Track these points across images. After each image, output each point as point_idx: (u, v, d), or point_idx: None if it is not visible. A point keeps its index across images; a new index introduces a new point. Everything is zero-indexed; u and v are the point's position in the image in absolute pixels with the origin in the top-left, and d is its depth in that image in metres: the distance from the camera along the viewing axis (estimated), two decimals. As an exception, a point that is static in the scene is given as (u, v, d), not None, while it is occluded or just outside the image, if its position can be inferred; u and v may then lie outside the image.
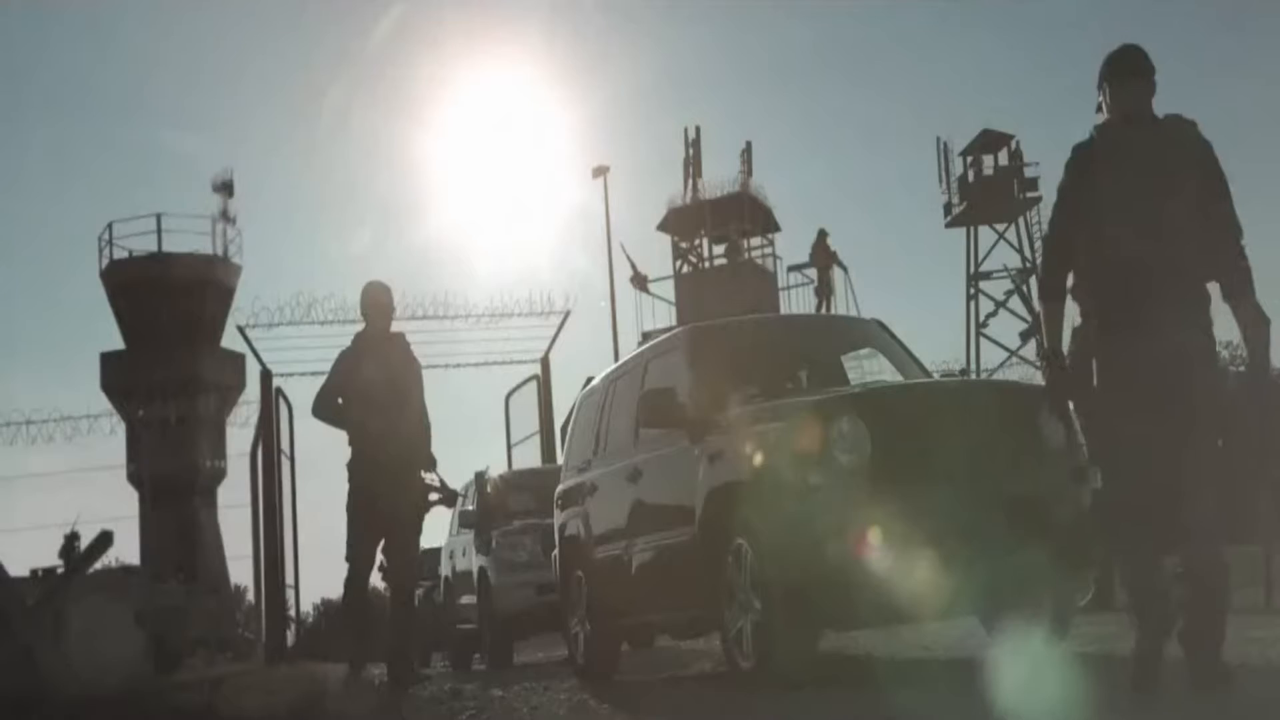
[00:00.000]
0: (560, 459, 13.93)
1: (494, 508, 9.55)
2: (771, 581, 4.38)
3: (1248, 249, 3.48)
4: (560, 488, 6.82)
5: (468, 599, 9.80)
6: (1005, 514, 4.32)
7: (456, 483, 10.90)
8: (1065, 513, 4.48)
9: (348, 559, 6.10)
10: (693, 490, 4.93)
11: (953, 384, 6.10)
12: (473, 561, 9.53)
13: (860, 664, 5.87)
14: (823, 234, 20.04)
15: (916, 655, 5.90)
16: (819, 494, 4.25)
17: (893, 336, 6.00)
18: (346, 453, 6.19)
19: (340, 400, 6.20)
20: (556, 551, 6.78)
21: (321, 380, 6.47)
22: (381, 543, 6.11)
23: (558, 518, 6.77)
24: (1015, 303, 26.63)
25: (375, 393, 6.05)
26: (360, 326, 6.51)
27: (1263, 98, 51.06)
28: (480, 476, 9.81)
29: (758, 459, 4.51)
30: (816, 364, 5.93)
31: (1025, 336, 25.28)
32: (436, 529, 12.07)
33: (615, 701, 5.03)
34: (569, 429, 7.32)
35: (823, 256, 19.83)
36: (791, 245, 26.76)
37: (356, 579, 6.16)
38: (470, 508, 9.70)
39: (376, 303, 6.32)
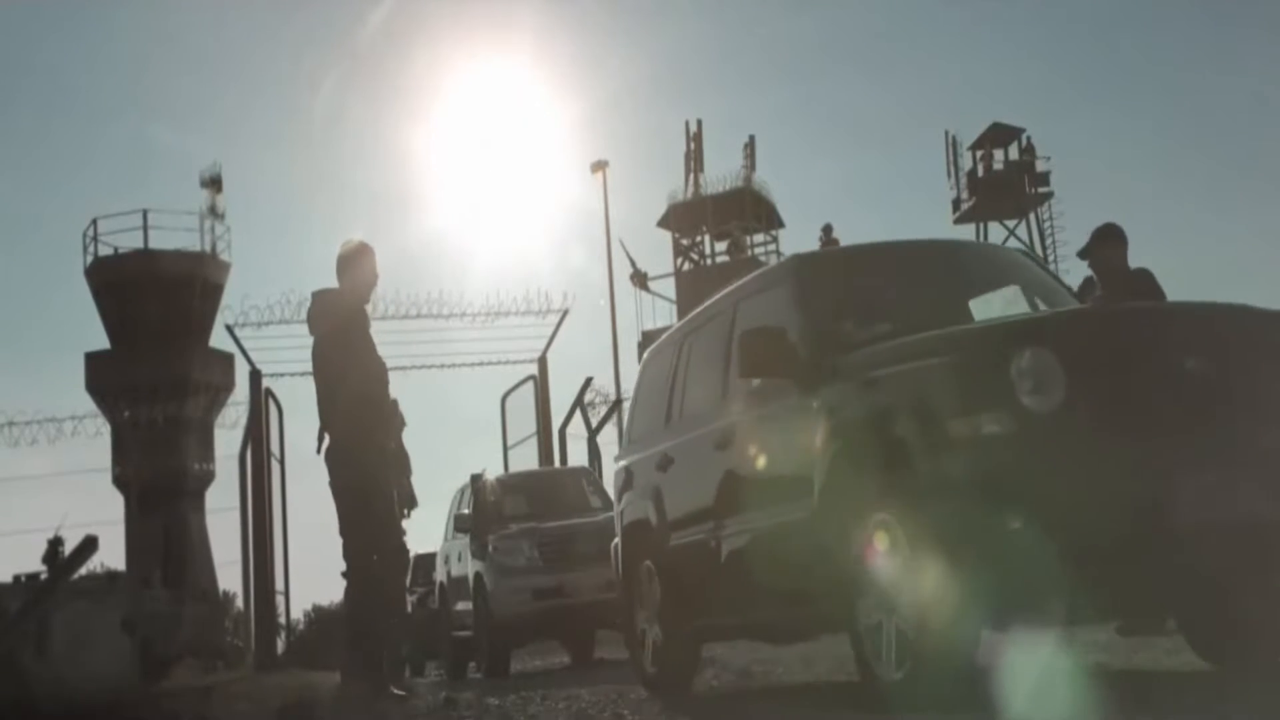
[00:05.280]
0: (558, 461, 13.95)
1: (490, 511, 9.37)
2: (930, 568, 3.36)
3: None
4: (619, 465, 5.91)
5: (463, 605, 9.63)
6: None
7: (451, 486, 10.83)
8: None
9: (391, 564, 5.46)
10: (810, 454, 3.91)
11: (1170, 308, 4.56)
12: (468, 566, 9.39)
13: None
14: (828, 229, 19.98)
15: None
16: (997, 450, 3.26)
17: (1046, 270, 5.11)
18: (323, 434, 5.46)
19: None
20: (617, 540, 5.84)
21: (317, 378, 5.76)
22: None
23: (618, 502, 5.88)
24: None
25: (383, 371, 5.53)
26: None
27: (1259, 93, 51.21)
28: (477, 479, 9.67)
29: (905, 408, 3.56)
30: (954, 299, 4.70)
31: None
32: (433, 532, 11.87)
33: (644, 713, 4.59)
34: (632, 397, 6.24)
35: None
36: (796, 242, 26.63)
37: (397, 580, 5.54)
38: (466, 511, 9.55)
39: (373, 273, 5.53)
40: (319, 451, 5.48)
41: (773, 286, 4.67)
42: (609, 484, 11.49)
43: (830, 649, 6.29)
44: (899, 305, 4.55)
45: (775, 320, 4.33)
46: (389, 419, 5.47)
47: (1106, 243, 5.94)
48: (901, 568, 3.49)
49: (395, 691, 5.44)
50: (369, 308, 5.78)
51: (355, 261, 5.50)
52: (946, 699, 3.36)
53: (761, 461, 4.45)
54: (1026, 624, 3.66)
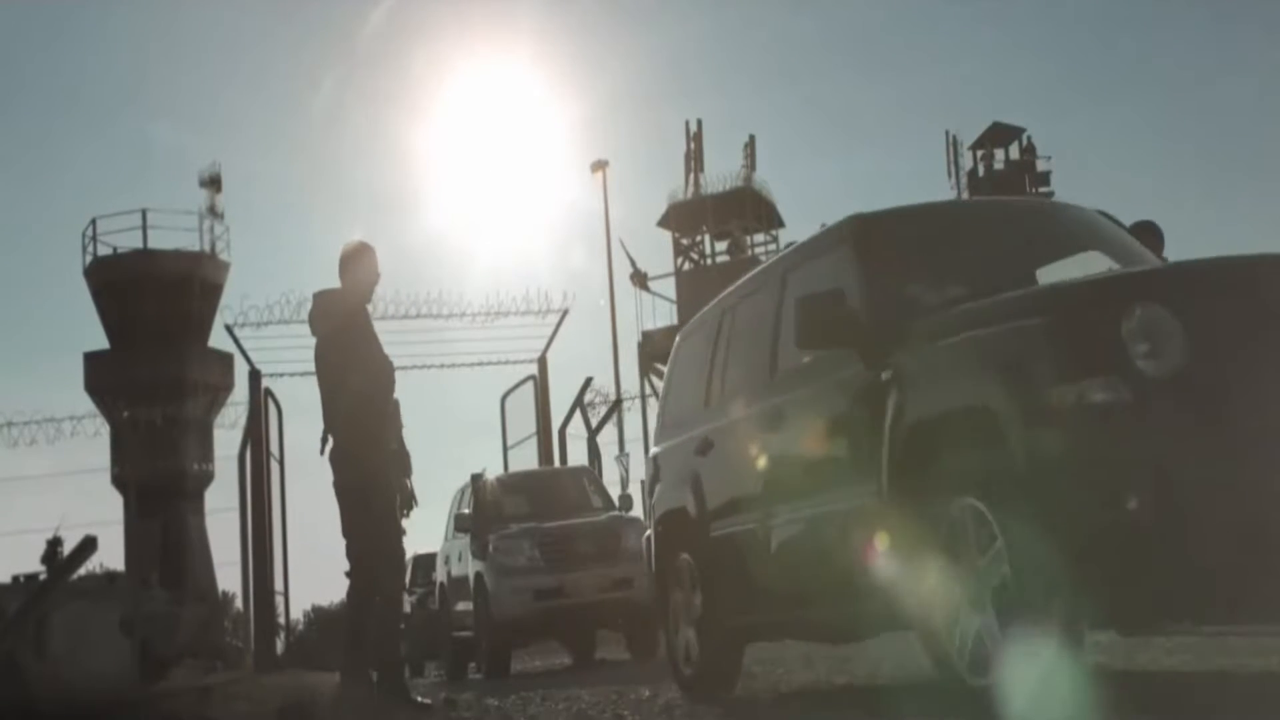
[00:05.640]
0: (558, 462, 13.92)
1: (491, 511, 9.33)
2: (1028, 558, 2.93)
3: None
4: (654, 451, 5.51)
5: (464, 605, 9.59)
6: None
7: (451, 486, 10.80)
8: None
9: (389, 567, 5.44)
10: (877, 431, 3.49)
11: None
12: (469, 567, 9.34)
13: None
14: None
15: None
16: (1108, 421, 2.80)
17: (1129, 232, 4.58)
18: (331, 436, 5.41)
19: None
20: (650, 532, 5.46)
21: (314, 378, 5.78)
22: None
23: (650, 491, 5.52)
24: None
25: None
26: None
27: (1261, 93, 51.26)
28: (477, 479, 9.63)
29: (994, 375, 3.09)
30: (1029, 261, 4.16)
31: None
32: (434, 532, 11.85)
33: (644, 713, 4.51)
34: (665, 380, 5.75)
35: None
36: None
37: (395, 581, 5.57)
38: (466, 511, 9.51)
39: (375, 272, 5.50)
40: (322, 453, 5.46)
41: (829, 250, 4.18)
42: (609, 483, 11.51)
43: (833, 649, 6.23)
44: (971, 267, 4.04)
45: (833, 287, 3.88)
46: (391, 419, 5.44)
47: (1142, 237, 5.84)
48: (992, 558, 3.06)
49: (420, 700, 5.39)
50: (370, 307, 5.74)
51: (355, 261, 5.49)
52: (1043, 707, 2.90)
53: (819, 442, 4.00)
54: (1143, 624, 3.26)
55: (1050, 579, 2.88)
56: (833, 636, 4.90)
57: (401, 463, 5.65)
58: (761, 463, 4.34)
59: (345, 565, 5.52)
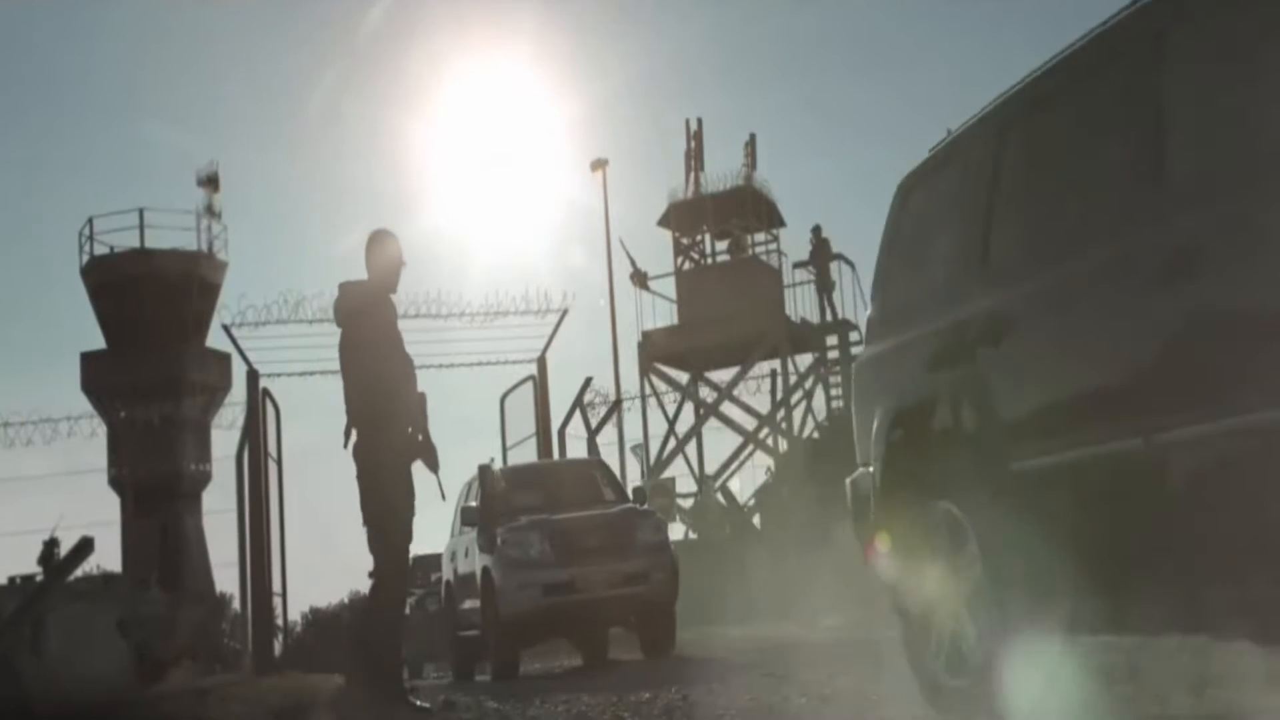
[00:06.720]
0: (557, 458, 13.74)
1: (499, 503, 8.99)
2: None
3: None
4: (865, 356, 3.94)
5: (470, 603, 9.34)
6: None
7: (450, 487, 10.61)
8: None
9: (391, 568, 5.25)
10: None
11: None
12: (475, 562, 9.04)
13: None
14: (817, 230, 20.02)
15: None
16: None
17: None
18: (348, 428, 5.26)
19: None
20: (862, 470, 3.82)
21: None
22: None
23: (861, 409, 3.88)
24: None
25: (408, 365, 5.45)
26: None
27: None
28: (484, 470, 9.32)
29: None
30: None
31: None
32: (432, 534, 11.72)
33: (644, 714, 4.39)
34: (881, 251, 3.98)
35: (821, 254, 19.70)
36: (797, 241, 26.47)
37: (401, 586, 5.44)
38: (473, 504, 9.20)
39: (397, 259, 5.40)
40: (345, 446, 5.37)
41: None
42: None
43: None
44: None
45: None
46: (405, 414, 5.32)
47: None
48: None
49: (419, 704, 5.27)
50: (394, 296, 5.60)
51: (373, 249, 5.43)
52: None
53: None
54: None
55: None
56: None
57: (429, 456, 5.52)
58: (1143, 343, 2.64)
59: (354, 565, 5.45)
